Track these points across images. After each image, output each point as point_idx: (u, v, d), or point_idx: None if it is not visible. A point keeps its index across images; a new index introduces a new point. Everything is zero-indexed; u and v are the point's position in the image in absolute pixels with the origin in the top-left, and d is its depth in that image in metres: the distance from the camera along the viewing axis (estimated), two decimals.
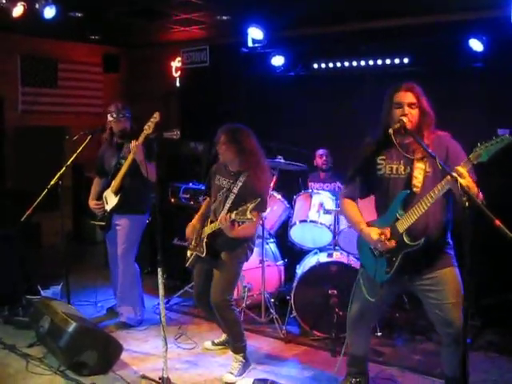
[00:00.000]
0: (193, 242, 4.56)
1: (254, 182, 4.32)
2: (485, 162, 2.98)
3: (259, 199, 4.01)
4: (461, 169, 3.00)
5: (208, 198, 4.70)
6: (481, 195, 3.18)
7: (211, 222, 4.44)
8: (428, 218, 3.36)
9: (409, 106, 3.41)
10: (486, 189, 3.26)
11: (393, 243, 3.38)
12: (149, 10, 6.76)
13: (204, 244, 4.40)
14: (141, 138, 4.80)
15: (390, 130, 3.37)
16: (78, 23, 7.29)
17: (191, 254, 4.60)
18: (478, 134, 5.60)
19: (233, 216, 4.06)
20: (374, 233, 3.45)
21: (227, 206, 4.34)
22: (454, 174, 2.97)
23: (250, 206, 3.95)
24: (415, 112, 3.41)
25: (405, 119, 3.38)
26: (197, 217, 4.67)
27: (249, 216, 3.95)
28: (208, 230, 4.42)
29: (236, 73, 7.50)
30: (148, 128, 4.69)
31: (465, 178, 2.96)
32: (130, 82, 9.85)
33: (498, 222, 2.79)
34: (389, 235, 3.41)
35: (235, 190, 4.35)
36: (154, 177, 4.80)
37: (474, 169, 3.12)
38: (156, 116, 4.65)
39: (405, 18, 6.26)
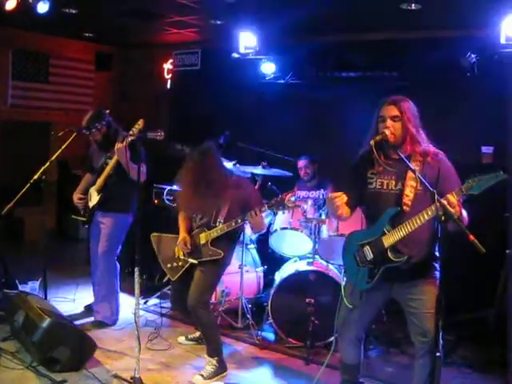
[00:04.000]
0: (181, 254, 4.62)
1: (244, 187, 4.59)
2: (475, 194, 3.01)
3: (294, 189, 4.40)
4: (451, 198, 3.03)
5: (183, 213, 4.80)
6: (465, 217, 3.22)
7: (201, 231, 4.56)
8: (414, 236, 3.36)
9: (391, 119, 3.43)
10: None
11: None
12: (143, 11, 6.78)
13: (210, 248, 4.47)
14: (125, 143, 4.86)
15: (372, 142, 3.38)
16: (72, 20, 7.27)
17: (173, 267, 4.66)
18: (463, 150, 5.74)
19: (266, 208, 4.33)
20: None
21: (223, 215, 4.49)
22: (438, 198, 3.01)
23: (287, 195, 4.23)
24: (398, 125, 3.42)
25: (387, 131, 3.40)
26: (182, 230, 4.70)
27: (289, 204, 4.25)
28: (208, 235, 4.50)
29: (226, 77, 7.50)
30: (132, 134, 4.75)
31: (454, 207, 2.99)
32: (121, 81, 9.85)
33: (471, 237, 2.85)
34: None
35: (226, 204, 4.50)
36: (142, 177, 4.86)
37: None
38: (140, 123, 4.73)
39: (394, 32, 6.32)
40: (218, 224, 4.48)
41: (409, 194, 3.39)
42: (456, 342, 5.19)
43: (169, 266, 4.73)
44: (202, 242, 4.52)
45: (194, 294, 4.42)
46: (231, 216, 4.43)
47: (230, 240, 4.60)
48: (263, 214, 4.57)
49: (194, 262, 4.54)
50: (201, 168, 4.41)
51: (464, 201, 3.20)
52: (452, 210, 2.95)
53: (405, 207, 3.38)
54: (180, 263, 4.64)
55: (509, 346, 4.19)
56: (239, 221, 4.39)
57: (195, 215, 4.66)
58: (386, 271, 3.44)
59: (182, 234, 4.65)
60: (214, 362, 4.46)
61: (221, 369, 4.48)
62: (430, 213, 3.18)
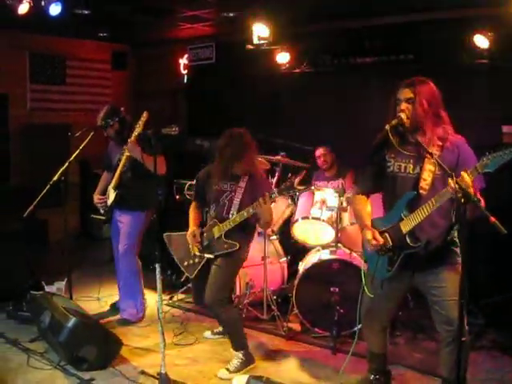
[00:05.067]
0: (196, 249, 4.58)
1: (258, 179, 4.53)
2: (491, 172, 2.94)
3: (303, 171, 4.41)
4: (466, 176, 2.96)
5: (195, 203, 4.80)
6: (482, 202, 3.16)
7: (214, 224, 4.50)
8: (432, 221, 3.34)
9: (406, 101, 3.37)
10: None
11: (378, 244, 3.44)
12: (155, 8, 6.77)
13: (225, 240, 4.42)
14: (133, 137, 4.94)
15: (387, 126, 3.33)
16: (86, 20, 7.29)
17: (190, 264, 4.64)
18: (483, 131, 5.65)
19: (274, 195, 4.19)
20: (368, 233, 3.49)
21: (236, 206, 4.44)
22: (454, 179, 2.95)
23: (297, 178, 4.19)
24: (413, 107, 3.36)
25: (402, 115, 3.35)
26: (192, 224, 4.68)
27: (298, 187, 4.18)
28: (221, 228, 4.45)
29: (241, 70, 7.49)
30: (138, 127, 4.87)
31: (468, 186, 2.92)
32: (137, 79, 9.88)
33: (492, 219, 2.79)
34: (380, 242, 3.44)
35: (241, 190, 4.46)
36: (163, 169, 5.03)
37: (483, 177, 3.10)
38: (144, 115, 4.87)
39: (409, 14, 6.22)
40: (230, 216, 4.43)
41: (426, 178, 3.34)
42: (485, 326, 5.13)
43: (185, 264, 4.70)
44: (216, 235, 4.47)
45: (211, 292, 4.39)
46: (243, 207, 4.38)
47: (244, 232, 4.53)
48: (275, 203, 4.46)
49: (211, 256, 4.51)
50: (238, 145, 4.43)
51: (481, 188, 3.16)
52: (468, 190, 2.88)
53: (421, 191, 3.33)
54: (196, 260, 4.60)
55: None
56: (251, 210, 4.30)
57: (209, 205, 4.64)
58: (405, 258, 3.39)
59: (191, 227, 4.63)
60: (241, 355, 4.45)
61: (248, 362, 4.47)
62: (446, 193, 3.13)
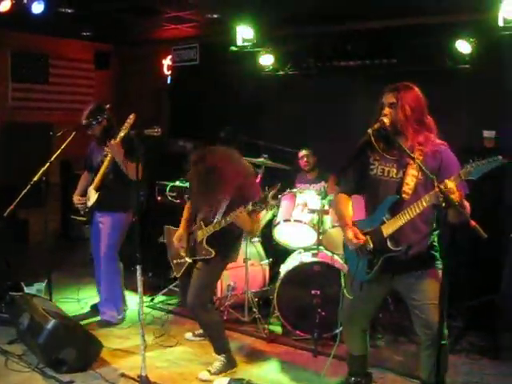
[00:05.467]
0: (182, 251, 4.56)
1: (246, 182, 4.37)
2: (474, 179, 2.97)
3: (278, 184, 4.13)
4: (449, 183, 2.97)
5: (189, 203, 4.75)
6: (467, 207, 3.18)
7: (200, 227, 4.45)
8: (413, 226, 3.35)
9: (389, 106, 3.39)
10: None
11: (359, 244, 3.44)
12: (140, 7, 6.74)
13: (205, 245, 4.35)
14: (118, 139, 4.88)
15: (370, 130, 3.34)
16: (69, 19, 7.24)
17: (179, 263, 4.62)
18: (465, 136, 5.70)
19: (249, 207, 4.06)
20: (349, 232, 3.49)
21: (222, 210, 4.36)
22: (437, 184, 2.97)
23: (270, 192, 4.02)
24: (395, 112, 3.38)
25: (385, 119, 3.36)
26: (181, 226, 4.65)
27: (271, 202, 4.05)
28: (204, 232, 4.39)
29: (225, 71, 7.48)
30: (124, 129, 4.82)
31: (453, 192, 2.94)
32: (121, 79, 9.83)
33: (473, 223, 2.81)
34: (361, 240, 3.44)
35: (227, 199, 4.37)
36: (134, 176, 4.84)
37: (466, 183, 3.12)
38: (131, 118, 4.80)
39: (393, 19, 6.26)
40: (215, 220, 4.38)
41: (409, 182, 3.35)
42: (464, 329, 5.17)
43: (175, 261, 4.70)
44: (199, 239, 4.43)
45: (192, 295, 4.35)
46: (230, 211, 4.29)
47: (226, 239, 4.41)
48: (261, 215, 4.34)
49: (189, 261, 4.49)
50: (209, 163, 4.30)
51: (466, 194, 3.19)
52: (452, 196, 2.90)
53: (404, 195, 3.35)
54: (182, 260, 4.60)
55: None
56: (228, 219, 4.21)
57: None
58: (385, 261, 3.41)
59: (179, 229, 4.60)
60: (223, 358, 4.44)
61: (229, 364, 4.46)
62: (428, 199, 3.15)
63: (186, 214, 4.71)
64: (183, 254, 4.56)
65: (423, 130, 3.39)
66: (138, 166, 4.06)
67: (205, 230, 4.40)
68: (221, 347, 4.47)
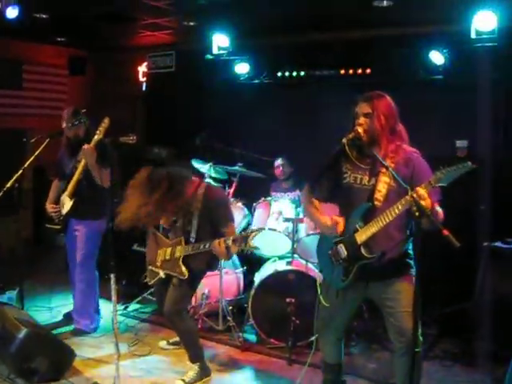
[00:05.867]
0: (158, 261, 4.53)
1: (213, 208, 4.37)
2: (445, 186, 3.01)
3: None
4: (421, 190, 3.00)
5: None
6: (440, 213, 3.22)
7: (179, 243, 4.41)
8: (387, 233, 3.37)
9: (364, 116, 3.41)
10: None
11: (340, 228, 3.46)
12: (116, 14, 6.71)
13: (181, 264, 4.32)
14: (92, 143, 4.84)
15: (344, 140, 3.37)
16: (44, 25, 7.19)
17: (153, 271, 4.57)
18: (438, 144, 5.78)
19: (229, 242, 4.01)
20: (326, 219, 3.55)
21: (194, 228, 4.35)
22: (410, 192, 3.00)
23: (252, 233, 3.98)
24: (371, 122, 3.42)
25: (360, 129, 3.38)
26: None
27: (252, 245, 3.98)
28: (183, 250, 4.35)
29: (201, 79, 7.49)
30: (99, 133, 4.78)
31: (424, 199, 2.96)
32: (96, 85, 9.74)
33: (445, 232, 2.82)
34: (340, 222, 3.47)
35: (196, 212, 4.35)
36: (107, 182, 4.84)
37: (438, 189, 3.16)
38: (106, 121, 4.78)
39: (368, 29, 6.34)
40: (191, 238, 4.34)
41: (381, 189, 3.38)
42: (437, 336, 5.23)
43: (150, 268, 4.64)
44: (177, 255, 4.38)
45: (168, 304, 4.34)
46: (202, 232, 4.30)
47: (202, 259, 4.38)
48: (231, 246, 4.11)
49: (162, 276, 4.44)
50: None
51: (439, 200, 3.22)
52: (423, 203, 2.93)
53: (376, 202, 3.37)
54: (156, 269, 4.55)
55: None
56: (207, 246, 4.18)
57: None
58: (360, 269, 3.42)
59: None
60: (197, 367, 4.42)
61: (204, 373, 4.44)
62: (400, 207, 3.17)
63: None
64: (159, 264, 4.52)
65: (395, 139, 3.43)
66: (112, 172, 4.03)
67: (183, 248, 4.36)
68: (195, 356, 4.45)
